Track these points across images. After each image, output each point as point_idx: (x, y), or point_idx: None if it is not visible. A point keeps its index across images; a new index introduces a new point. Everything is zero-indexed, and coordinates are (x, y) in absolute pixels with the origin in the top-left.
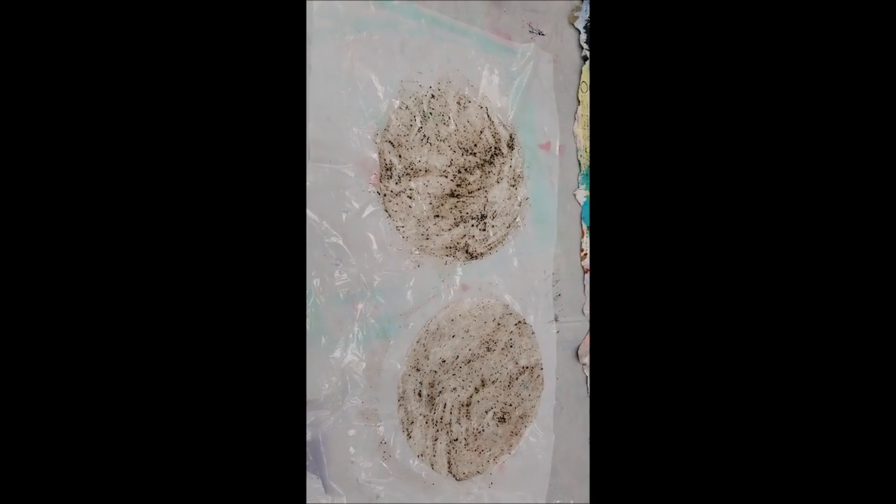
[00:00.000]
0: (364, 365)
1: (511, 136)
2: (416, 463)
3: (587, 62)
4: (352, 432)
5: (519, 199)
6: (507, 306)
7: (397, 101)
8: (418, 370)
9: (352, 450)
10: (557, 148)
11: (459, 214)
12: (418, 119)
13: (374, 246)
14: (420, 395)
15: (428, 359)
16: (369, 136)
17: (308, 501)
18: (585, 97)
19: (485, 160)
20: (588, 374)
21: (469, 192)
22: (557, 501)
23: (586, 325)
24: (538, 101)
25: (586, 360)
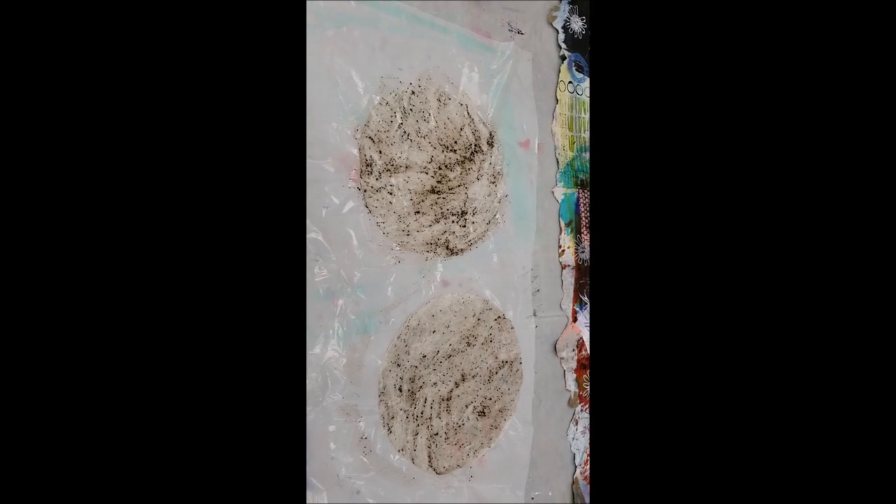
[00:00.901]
0: (344, 361)
1: (491, 134)
2: (396, 457)
3: (565, 61)
4: (332, 428)
5: (499, 195)
6: (486, 302)
7: (377, 97)
8: (399, 365)
9: (332, 445)
10: (536, 146)
11: (440, 211)
12: (399, 115)
13: (355, 242)
14: (401, 390)
15: (409, 354)
16: (349, 132)
17: None
18: (564, 96)
19: (465, 157)
20: (565, 367)
21: (449, 189)
22: (536, 493)
23: (564, 320)
24: (517, 99)
25: (564, 354)
